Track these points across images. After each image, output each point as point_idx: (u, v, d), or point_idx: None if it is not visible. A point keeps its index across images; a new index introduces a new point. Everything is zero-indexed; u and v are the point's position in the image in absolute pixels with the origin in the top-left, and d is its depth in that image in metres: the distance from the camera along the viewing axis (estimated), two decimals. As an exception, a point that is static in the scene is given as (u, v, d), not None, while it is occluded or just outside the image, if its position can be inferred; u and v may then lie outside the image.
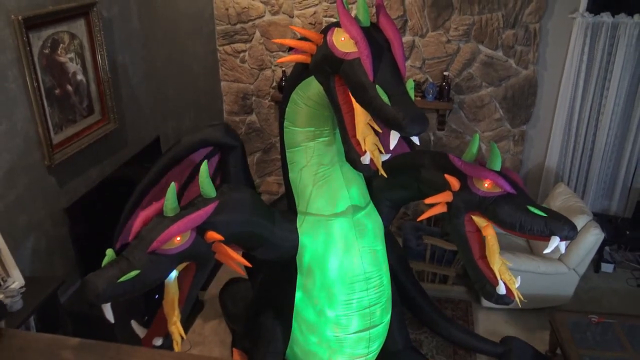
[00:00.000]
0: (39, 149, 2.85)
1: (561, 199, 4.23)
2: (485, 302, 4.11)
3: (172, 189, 2.36)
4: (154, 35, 3.90)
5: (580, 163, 4.77)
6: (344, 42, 2.25)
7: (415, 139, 2.27)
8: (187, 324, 3.90)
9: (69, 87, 3.03)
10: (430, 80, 4.77)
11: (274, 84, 5.05)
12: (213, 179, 2.81)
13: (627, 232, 4.53)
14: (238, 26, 4.91)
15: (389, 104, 2.13)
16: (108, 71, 3.30)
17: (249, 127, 5.31)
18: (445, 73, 4.65)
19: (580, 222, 3.84)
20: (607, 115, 4.52)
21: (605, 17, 4.27)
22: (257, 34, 4.90)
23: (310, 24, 4.75)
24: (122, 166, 3.30)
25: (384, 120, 2.15)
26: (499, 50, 4.57)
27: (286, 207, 3.07)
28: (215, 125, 2.86)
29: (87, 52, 3.15)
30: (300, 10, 4.73)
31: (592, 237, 3.76)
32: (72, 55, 3.03)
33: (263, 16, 4.83)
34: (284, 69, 4.91)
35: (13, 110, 2.68)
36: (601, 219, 4.37)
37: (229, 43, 4.98)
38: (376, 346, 3.08)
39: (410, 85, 2.29)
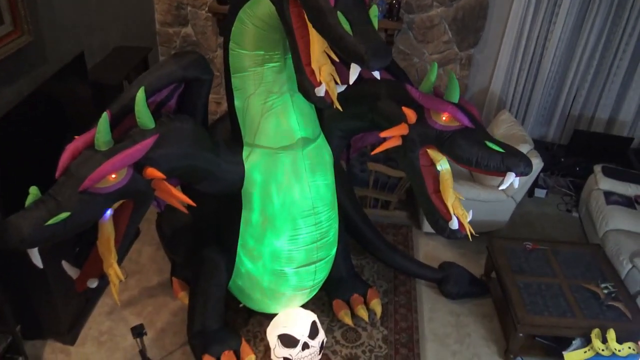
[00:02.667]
0: (-61, 66, 2.45)
1: (504, 127, 4.25)
2: (426, 228, 4.18)
3: (105, 119, 2.10)
4: None
5: (523, 89, 4.78)
6: (301, -42, 1.98)
7: (376, 74, 2.11)
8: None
9: (-29, -8, 2.58)
10: (380, -4, 4.50)
11: (212, -8, 4.61)
12: (162, 105, 2.52)
13: (562, 160, 4.67)
14: None
15: (351, 33, 1.94)
16: (18, -28, 2.83)
17: (184, 40, 4.89)
18: (396, -10, 4.39)
19: (521, 150, 3.88)
20: (553, 42, 4.49)
21: (562, -62, 4.12)
22: None
23: None
24: (42, 86, 2.92)
25: (344, 51, 1.96)
26: (453, -33, 4.35)
27: (226, 131, 2.88)
28: (194, 60, 2.49)
29: (-9, -51, 2.66)
30: None
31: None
32: (-28, -49, 2.55)
33: None
34: (222, -24, 4.47)
35: None
36: (538, 145, 4.45)
37: (160, -57, 4.45)
38: (321, 277, 3.07)
39: (373, 12, 2.09)
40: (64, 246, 2.76)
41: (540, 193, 4.76)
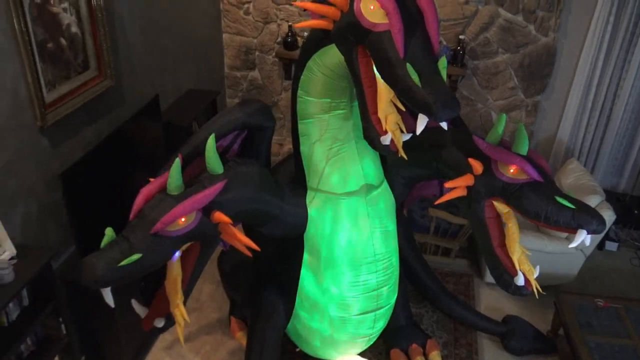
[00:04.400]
0: (30, 109, 2.63)
1: (573, 176, 4.10)
2: (488, 278, 4.05)
3: (177, 165, 2.18)
4: (153, -17, 3.61)
5: (593, 138, 4.61)
6: (373, 11, 2.03)
7: (444, 124, 2.10)
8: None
9: (63, 41, 2.77)
10: (445, 43, 4.52)
11: (279, 39, 4.77)
12: (227, 150, 2.61)
13: (636, 212, 4.44)
14: (243, -26, 4.58)
15: (419, 84, 1.95)
16: (105, 23, 3.04)
17: (250, 83, 5.06)
18: (460, 37, 4.40)
19: (592, 202, 3.73)
20: (626, 89, 4.34)
21: (636, -15, 4.02)
22: (263, -16, 4.59)
23: (320, -24, 4.43)
24: (120, 127, 3.08)
25: (412, 102, 1.97)
26: (519, 15, 4.31)
27: (288, 172, 2.93)
28: (257, 108, 2.57)
29: (83, 2, 2.87)
30: (311, -40, 4.40)
31: (604, 219, 3.65)
32: (65, 5, 2.76)
33: (270, -35, 4.50)
34: (290, 23, 4.63)
35: (2, 66, 2.44)
36: (609, 196, 4.26)
37: (233, -8, 4.67)
38: (380, 325, 3.01)
39: (442, 64, 2.09)
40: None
41: (611, 246, 4.52)
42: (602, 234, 3.85)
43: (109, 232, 2.09)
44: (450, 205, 4.24)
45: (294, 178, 2.84)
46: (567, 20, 4.30)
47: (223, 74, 5.04)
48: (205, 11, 4.49)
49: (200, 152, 2.36)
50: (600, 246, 4.50)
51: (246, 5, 4.70)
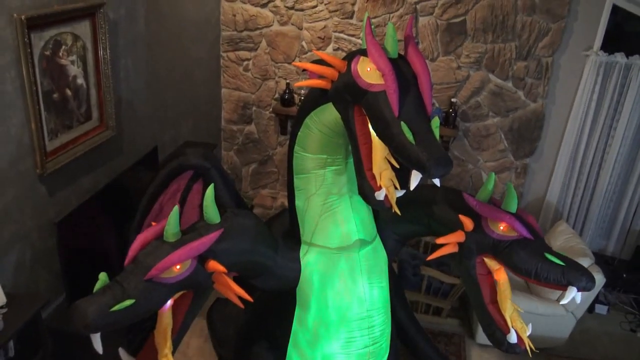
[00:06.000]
0: (32, 156, 2.68)
1: (562, 238, 4.15)
2: (479, 338, 4.02)
3: (175, 212, 2.21)
4: (158, 39, 3.75)
5: (581, 201, 4.71)
6: (369, 73, 2.13)
7: (436, 181, 2.16)
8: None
9: (68, 92, 2.86)
10: (437, 105, 4.68)
11: (277, 95, 4.91)
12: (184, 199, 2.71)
13: (624, 275, 4.48)
14: (244, 33, 4.77)
15: (413, 142, 2.02)
16: (110, 75, 3.14)
17: (247, 137, 5.16)
18: (452, 100, 4.56)
19: (582, 264, 3.76)
20: (612, 155, 4.48)
21: (619, 58, 4.23)
22: (264, 43, 4.77)
23: (319, 37, 4.63)
24: (118, 177, 3.13)
25: (406, 159, 2.04)
26: (509, 81, 4.50)
27: (281, 225, 2.95)
28: (189, 149, 2.72)
29: (90, 55, 2.99)
30: (310, 23, 4.61)
31: (593, 282, 3.68)
32: (74, 57, 2.86)
33: (271, 25, 4.70)
34: (288, 81, 4.78)
35: (8, 115, 2.50)
36: (598, 259, 4.30)
37: (234, 50, 4.84)
38: (371, 385, 2.95)
39: (435, 123, 2.18)
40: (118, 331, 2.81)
41: (601, 309, 4.52)
42: (594, 294, 3.87)
43: (102, 277, 2.08)
44: (442, 264, 4.27)
45: (287, 231, 2.87)
46: (555, 87, 4.49)
47: (220, 127, 5.15)
48: (206, 66, 4.65)
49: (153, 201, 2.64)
50: (591, 309, 4.49)
51: (246, 62, 4.87)
